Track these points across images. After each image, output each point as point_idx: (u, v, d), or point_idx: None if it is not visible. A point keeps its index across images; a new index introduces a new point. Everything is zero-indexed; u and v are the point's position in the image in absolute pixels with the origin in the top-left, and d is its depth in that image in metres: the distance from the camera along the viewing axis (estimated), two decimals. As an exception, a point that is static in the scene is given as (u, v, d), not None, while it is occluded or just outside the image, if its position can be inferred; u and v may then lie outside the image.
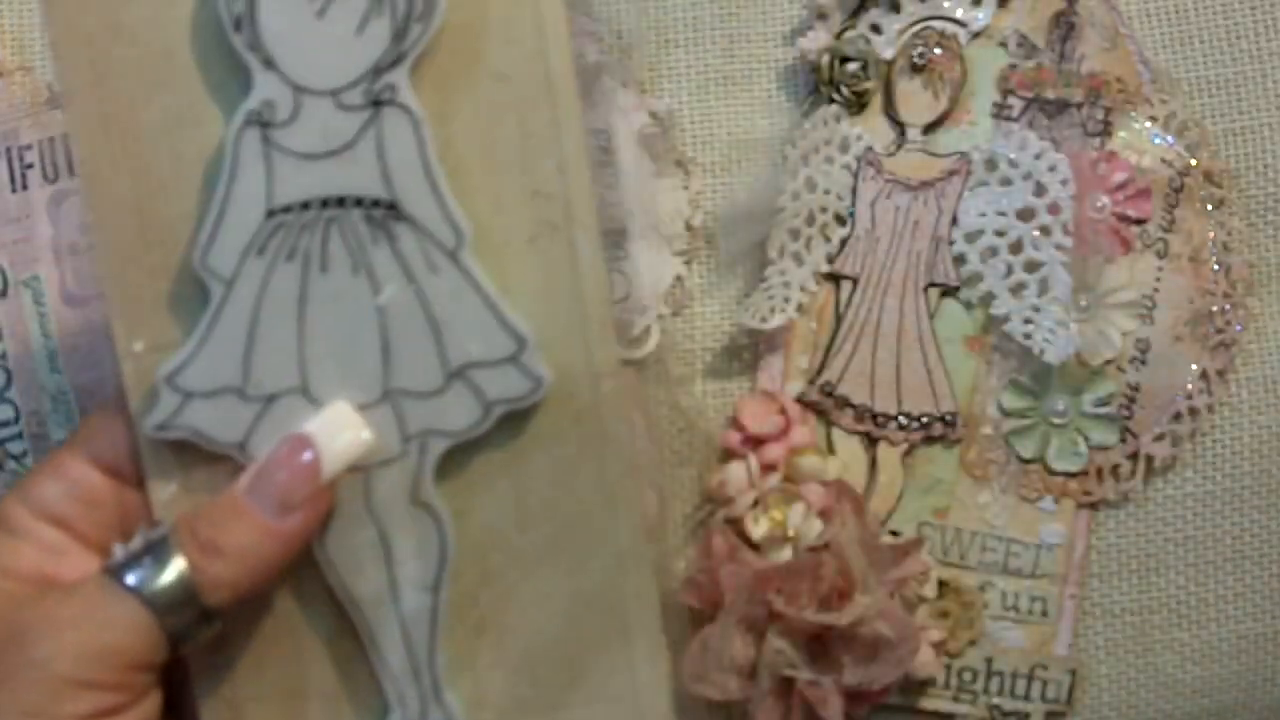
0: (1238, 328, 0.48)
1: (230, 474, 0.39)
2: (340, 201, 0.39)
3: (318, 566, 0.40)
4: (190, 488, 0.40)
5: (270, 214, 0.39)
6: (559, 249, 0.39)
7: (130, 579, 0.37)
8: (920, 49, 0.49)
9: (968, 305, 0.48)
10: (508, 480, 0.40)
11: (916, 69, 0.49)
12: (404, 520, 0.40)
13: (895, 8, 0.49)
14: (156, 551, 0.37)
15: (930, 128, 0.49)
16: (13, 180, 0.51)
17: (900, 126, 0.49)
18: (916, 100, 0.49)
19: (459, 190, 0.39)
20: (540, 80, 0.39)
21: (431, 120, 0.39)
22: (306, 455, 0.38)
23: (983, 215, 0.48)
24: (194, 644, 0.38)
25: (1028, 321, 0.47)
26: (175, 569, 0.37)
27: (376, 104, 0.38)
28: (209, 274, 0.39)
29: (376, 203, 0.39)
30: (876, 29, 0.49)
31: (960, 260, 0.48)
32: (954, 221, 0.48)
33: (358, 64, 0.38)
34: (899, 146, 0.49)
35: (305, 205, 0.39)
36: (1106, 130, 0.48)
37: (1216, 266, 0.48)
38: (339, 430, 0.39)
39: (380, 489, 0.40)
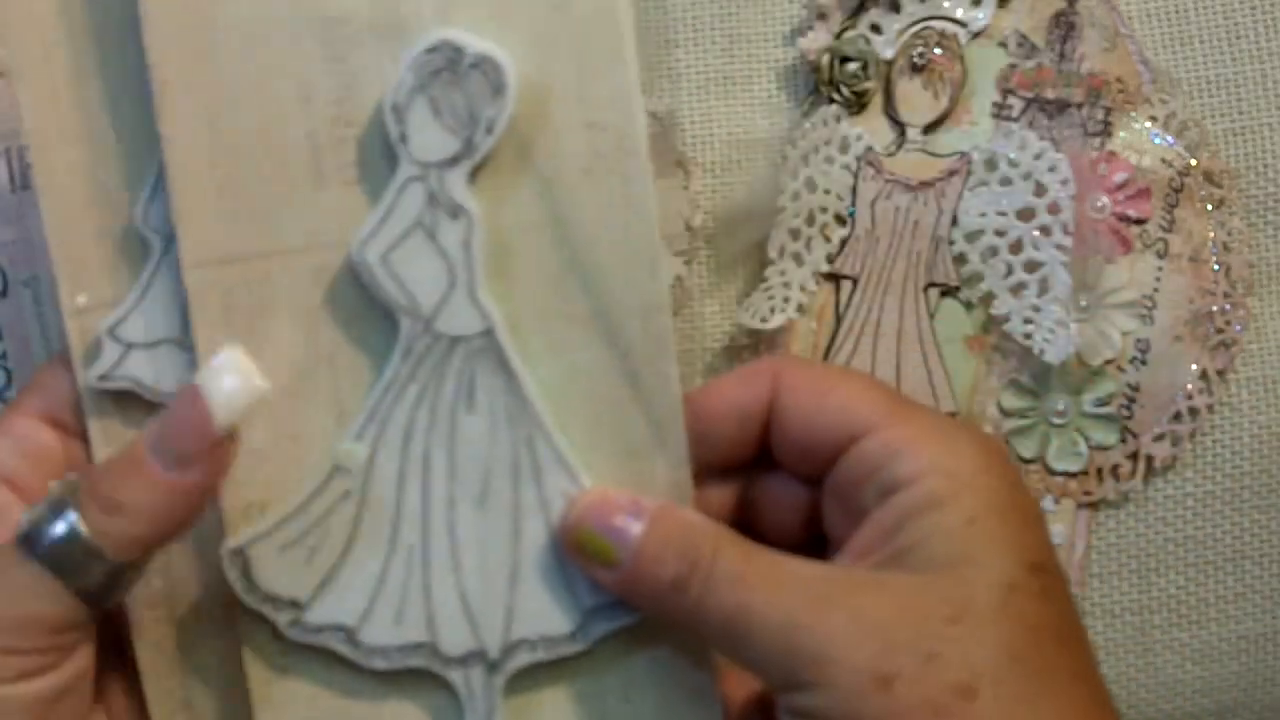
0: (1238, 328, 0.48)
1: None
2: None
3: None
4: (131, 438, 0.40)
5: None
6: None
7: (36, 545, 0.37)
8: (920, 49, 0.49)
9: (968, 305, 0.48)
10: None
11: (916, 69, 0.49)
12: None
13: (895, 8, 0.49)
14: (58, 513, 0.37)
15: (930, 128, 0.49)
16: (12, 180, 0.51)
17: (900, 126, 0.49)
18: (916, 100, 0.49)
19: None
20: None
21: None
22: (199, 407, 0.37)
23: (983, 215, 0.48)
24: (113, 599, 0.38)
25: (1028, 321, 0.47)
26: (78, 530, 0.37)
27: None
28: (150, 230, 0.40)
29: None
30: (876, 29, 0.49)
31: (960, 260, 0.48)
32: (954, 221, 0.48)
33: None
34: (899, 146, 0.49)
35: None
36: (1106, 130, 0.48)
37: (1216, 266, 0.48)
38: (225, 377, 0.38)
39: None
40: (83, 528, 0.37)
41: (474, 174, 0.40)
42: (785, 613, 0.35)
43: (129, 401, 0.41)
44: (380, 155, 0.40)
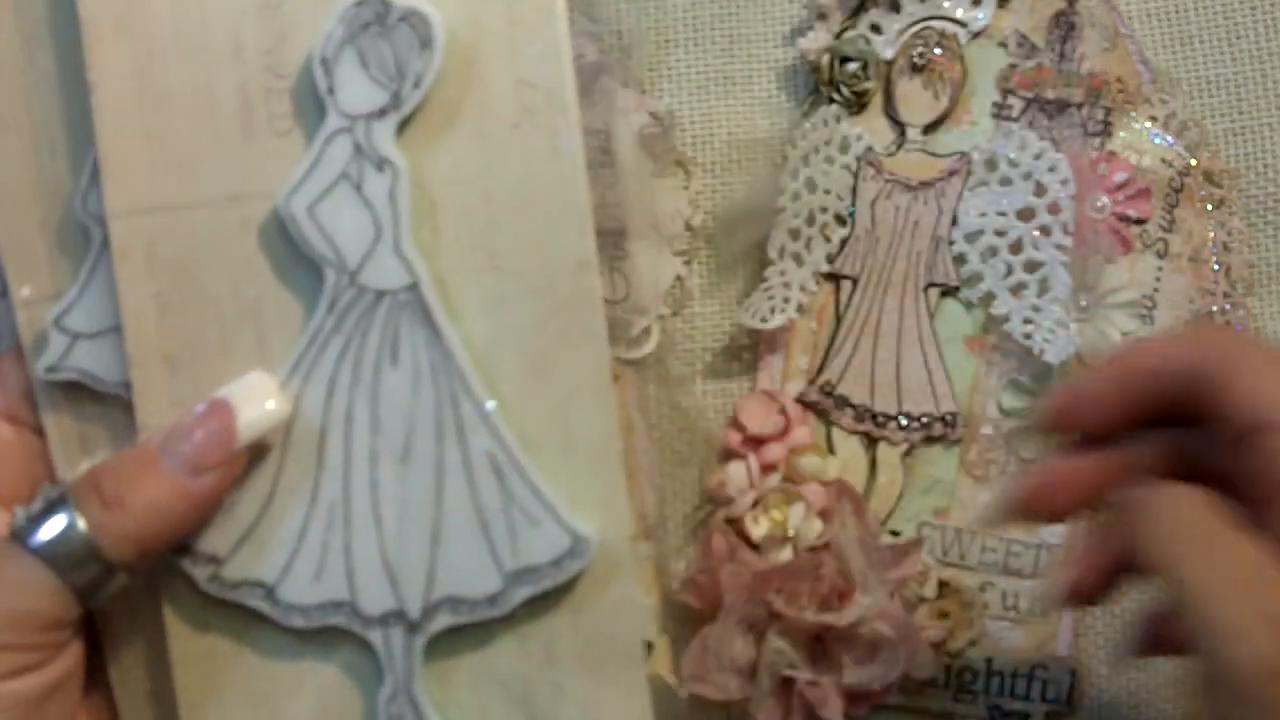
0: (1238, 328, 0.48)
1: (123, 414, 0.40)
2: None
3: None
4: (85, 430, 0.41)
5: None
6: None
7: (33, 541, 0.37)
8: (920, 49, 0.49)
9: (968, 305, 0.48)
10: None
11: (916, 69, 0.49)
12: None
13: (895, 8, 0.49)
14: (56, 509, 0.37)
15: (930, 128, 0.49)
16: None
17: (900, 126, 0.49)
18: (916, 100, 0.49)
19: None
20: None
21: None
22: (224, 420, 0.38)
23: (983, 215, 0.48)
24: (104, 597, 0.38)
25: (1028, 321, 0.47)
26: (76, 526, 0.37)
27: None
28: (90, 219, 0.41)
29: None
30: (876, 29, 0.49)
31: (960, 260, 0.48)
32: (954, 221, 0.48)
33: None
34: (899, 146, 0.49)
35: None
36: (1106, 130, 0.48)
37: (1216, 266, 0.48)
38: (258, 398, 0.39)
39: None
40: (81, 523, 0.37)
41: (402, 127, 0.40)
42: None
43: (78, 393, 0.41)
44: (309, 106, 0.40)
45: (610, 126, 0.47)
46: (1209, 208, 0.48)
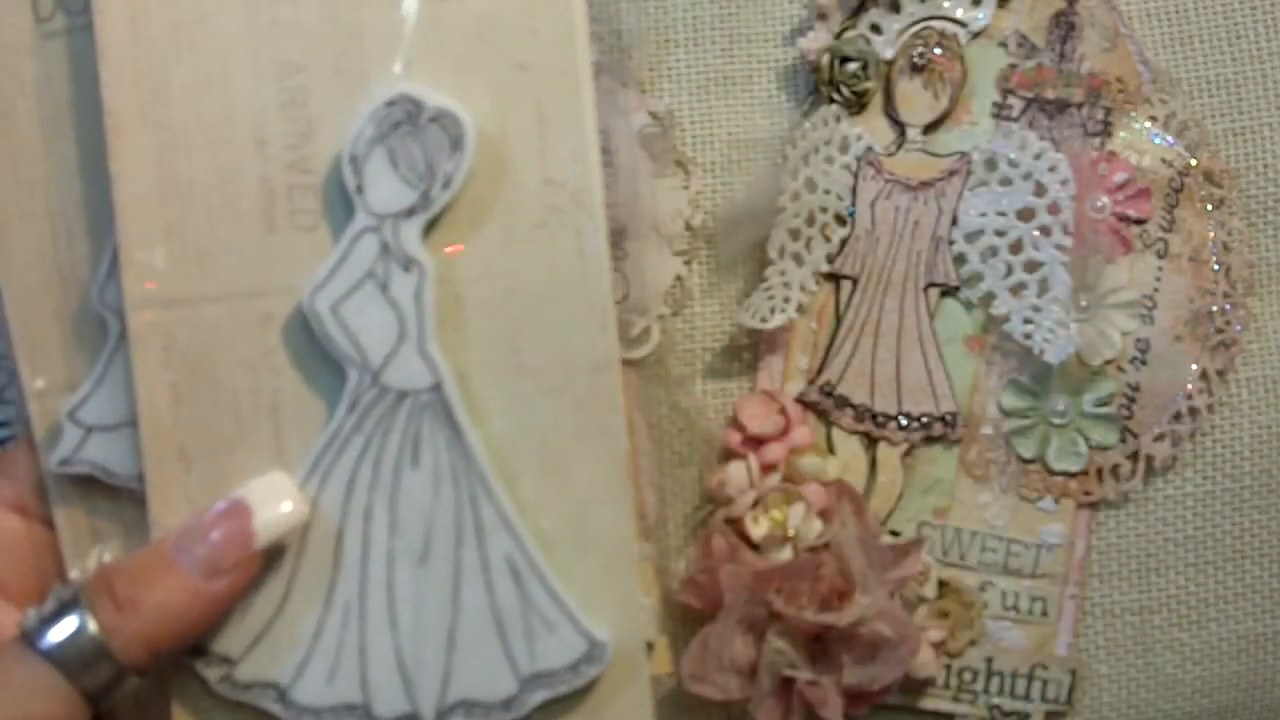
0: (1238, 328, 0.48)
1: (135, 509, 0.39)
2: None
3: None
4: (96, 524, 0.40)
5: None
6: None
7: (43, 643, 0.36)
8: (920, 49, 0.49)
9: (968, 305, 0.48)
10: None
11: (916, 69, 0.49)
12: None
13: (895, 8, 0.49)
14: (68, 611, 0.37)
15: (930, 128, 0.49)
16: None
17: (900, 126, 0.49)
18: (916, 100, 0.49)
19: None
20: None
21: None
22: (242, 521, 0.38)
23: (983, 215, 0.48)
24: (112, 701, 0.37)
25: (1028, 321, 0.47)
26: (87, 629, 0.36)
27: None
28: (107, 310, 0.40)
29: None
30: (876, 29, 0.49)
31: (960, 260, 0.48)
32: (954, 221, 0.48)
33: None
34: (899, 146, 0.49)
35: None
36: (1106, 130, 0.48)
37: (1216, 266, 0.48)
38: (276, 499, 0.39)
39: None
40: (92, 625, 0.36)
41: (429, 227, 0.39)
42: None
43: (91, 486, 0.40)
44: (335, 203, 0.39)
45: (610, 126, 0.47)
46: (1209, 208, 0.48)
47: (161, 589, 0.37)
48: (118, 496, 0.40)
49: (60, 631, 0.36)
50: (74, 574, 0.41)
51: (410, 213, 0.39)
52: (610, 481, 0.40)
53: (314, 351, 0.39)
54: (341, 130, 0.39)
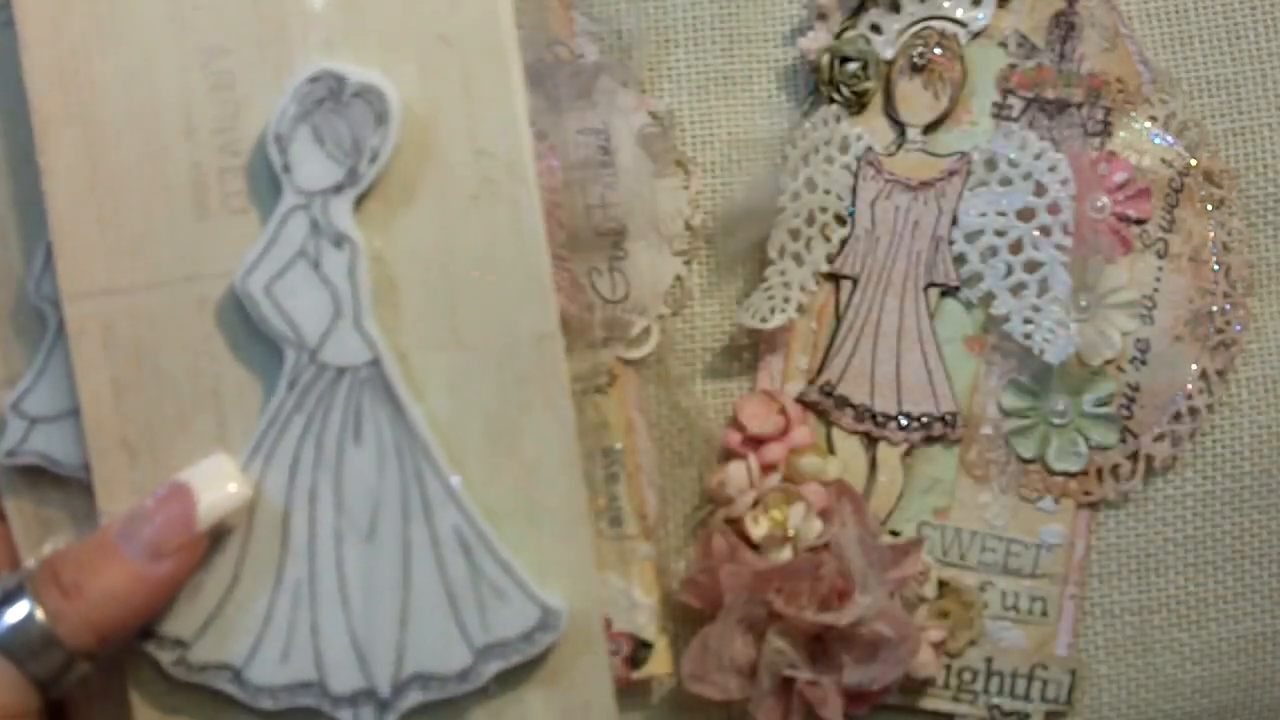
0: (1238, 328, 0.48)
1: (84, 498, 0.39)
2: None
3: None
4: (46, 514, 0.41)
5: None
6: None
7: None
8: (920, 49, 0.49)
9: (968, 305, 0.48)
10: None
11: (916, 69, 0.49)
12: None
13: (895, 8, 0.49)
14: (14, 599, 0.37)
15: (930, 128, 0.49)
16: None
17: (900, 126, 0.49)
18: (916, 100, 0.49)
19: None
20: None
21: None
22: (184, 504, 0.38)
23: (983, 215, 0.48)
24: (65, 687, 0.37)
25: (1028, 321, 0.47)
26: (35, 616, 0.36)
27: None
28: (45, 302, 0.40)
29: None
30: (876, 29, 0.49)
31: (960, 260, 0.48)
32: (954, 221, 0.48)
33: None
34: (899, 146, 0.49)
35: None
36: (1106, 130, 0.48)
37: (1216, 266, 0.48)
38: (219, 481, 0.39)
39: None
40: (39, 613, 0.36)
41: (359, 202, 0.39)
42: None
43: (38, 477, 0.41)
44: (264, 184, 0.40)
45: (610, 126, 0.47)
46: (1209, 208, 0.48)
47: (106, 575, 0.37)
48: (66, 486, 0.41)
49: (7, 619, 0.36)
50: (29, 564, 0.41)
51: (338, 189, 0.39)
52: (559, 451, 0.40)
53: (251, 334, 0.40)
54: (268, 111, 0.39)
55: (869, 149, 0.49)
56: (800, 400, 0.48)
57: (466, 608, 0.39)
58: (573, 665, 0.40)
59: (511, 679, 0.40)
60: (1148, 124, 0.49)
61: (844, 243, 0.48)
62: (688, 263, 0.49)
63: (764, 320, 0.47)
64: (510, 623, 0.39)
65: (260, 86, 0.40)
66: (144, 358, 0.40)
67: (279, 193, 0.39)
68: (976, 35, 0.49)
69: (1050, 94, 0.48)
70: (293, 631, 0.39)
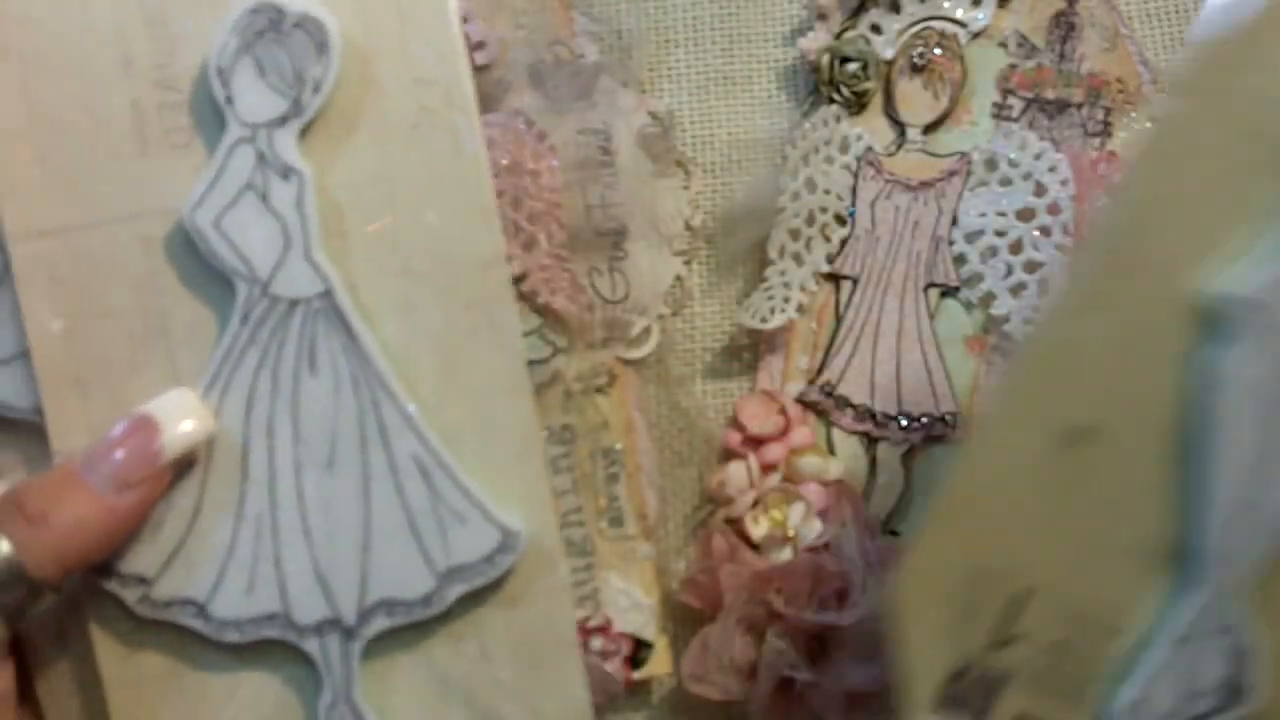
0: (1238, 328, 0.48)
1: (37, 442, 0.40)
2: None
3: None
4: (2, 458, 0.41)
5: None
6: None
7: None
8: (920, 49, 0.49)
9: (968, 305, 0.48)
10: None
11: (916, 69, 0.49)
12: None
13: (895, 8, 0.49)
14: None
15: (930, 128, 0.49)
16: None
17: (900, 126, 0.49)
18: (916, 100, 0.49)
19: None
20: None
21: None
22: (149, 436, 0.38)
23: (983, 215, 0.48)
24: (29, 618, 0.38)
25: (1028, 322, 0.47)
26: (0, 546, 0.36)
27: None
28: None
29: None
30: (876, 29, 0.49)
31: (960, 260, 0.48)
32: (954, 221, 0.48)
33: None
34: (899, 146, 0.49)
35: None
36: (1106, 130, 0.48)
37: (1216, 266, 0.48)
38: (182, 415, 0.39)
39: None
40: (4, 543, 0.36)
41: (304, 134, 0.40)
42: None
43: None
44: (206, 118, 0.40)
45: (610, 126, 0.47)
46: (1209, 208, 0.48)
47: (71, 505, 0.37)
48: (17, 429, 0.41)
49: None
50: None
51: (283, 120, 0.40)
52: (508, 374, 0.40)
53: (199, 268, 0.40)
54: (206, 44, 0.40)
55: (869, 149, 0.49)
56: (800, 400, 0.48)
57: (428, 533, 0.40)
58: (532, 586, 0.41)
59: (473, 602, 0.40)
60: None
61: (844, 243, 0.49)
62: (688, 263, 0.49)
63: (764, 320, 0.47)
64: (471, 546, 0.40)
65: (196, 19, 0.40)
66: (91, 297, 0.40)
67: (222, 127, 0.40)
68: (976, 35, 0.49)
69: (1050, 94, 0.48)
70: (256, 564, 0.40)
